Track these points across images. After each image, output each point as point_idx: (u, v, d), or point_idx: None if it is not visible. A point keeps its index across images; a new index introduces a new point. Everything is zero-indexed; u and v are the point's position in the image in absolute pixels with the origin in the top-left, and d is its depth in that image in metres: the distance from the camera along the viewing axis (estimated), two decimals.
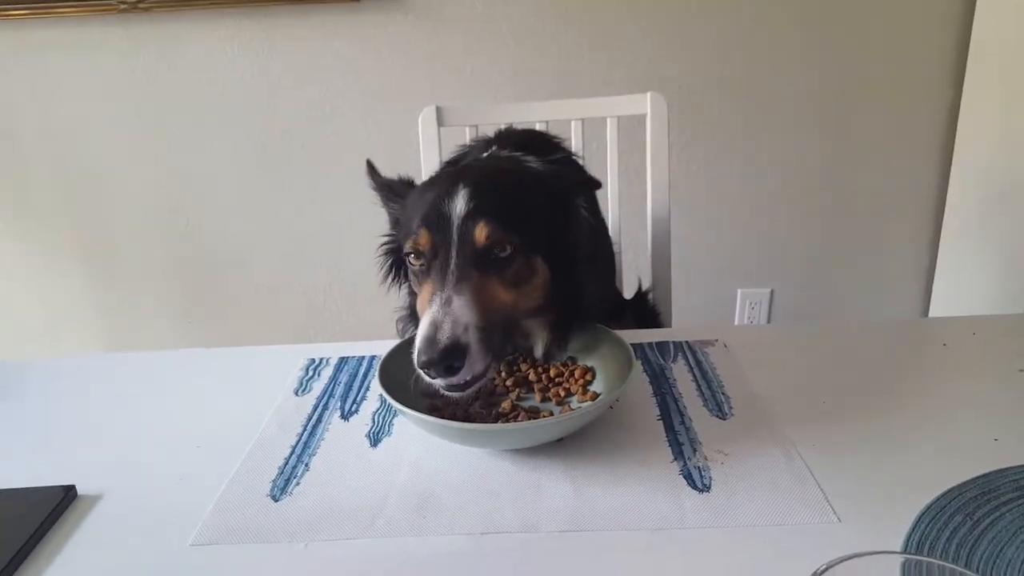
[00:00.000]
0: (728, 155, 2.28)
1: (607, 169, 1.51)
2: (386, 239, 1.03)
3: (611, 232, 1.44)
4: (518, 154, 1.08)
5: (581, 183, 1.00)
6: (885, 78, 2.18)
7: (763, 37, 2.14)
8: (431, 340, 0.79)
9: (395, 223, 1.01)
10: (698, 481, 0.76)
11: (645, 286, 1.50)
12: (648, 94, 1.48)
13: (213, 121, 2.26)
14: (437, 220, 0.87)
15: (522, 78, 2.18)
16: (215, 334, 2.55)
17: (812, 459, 0.79)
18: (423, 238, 0.88)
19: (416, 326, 0.96)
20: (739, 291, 2.46)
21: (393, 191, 1.01)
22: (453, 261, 0.85)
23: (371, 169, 1.04)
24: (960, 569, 0.48)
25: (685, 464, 0.79)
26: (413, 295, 0.99)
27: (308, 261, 2.43)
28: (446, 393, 0.85)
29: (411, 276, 0.96)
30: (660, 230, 1.55)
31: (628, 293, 1.49)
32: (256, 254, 2.43)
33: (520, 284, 0.89)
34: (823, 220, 2.36)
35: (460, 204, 0.86)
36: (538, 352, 0.98)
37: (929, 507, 0.70)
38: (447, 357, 0.79)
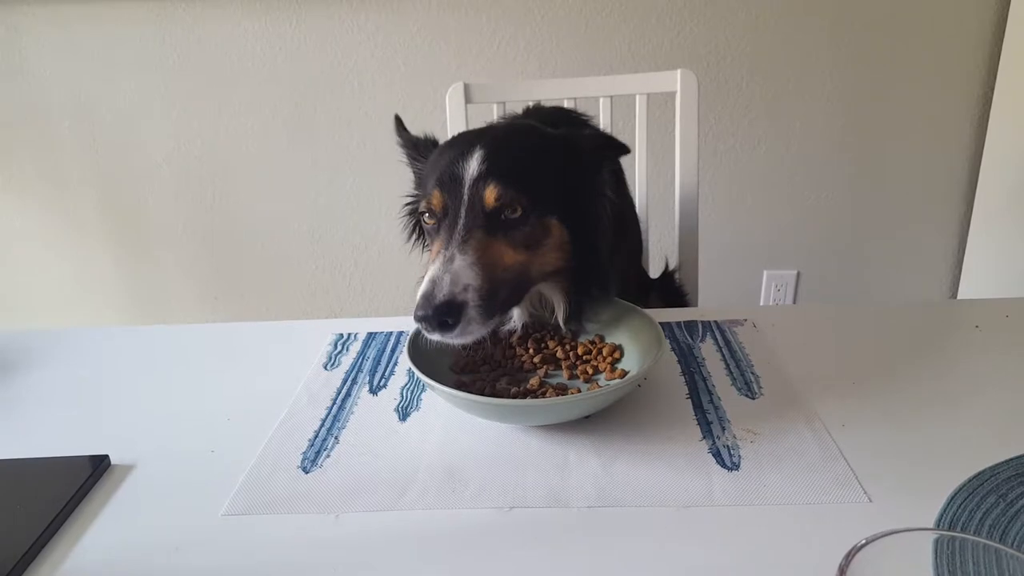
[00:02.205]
0: (755, 135, 2.25)
1: (635, 147, 1.49)
2: (409, 199, 1.03)
3: (638, 211, 1.43)
4: None
5: (607, 146, 0.98)
6: (918, 59, 2.14)
7: (794, 15, 2.10)
8: (429, 296, 0.80)
9: (418, 183, 1.02)
10: (727, 459, 0.76)
11: (672, 266, 1.49)
12: (678, 71, 1.47)
13: (241, 95, 2.27)
14: (450, 181, 0.88)
15: (550, 55, 2.17)
16: (241, 309, 2.57)
17: (842, 439, 0.78)
18: (435, 198, 0.88)
19: None
20: (765, 273, 2.45)
21: (417, 149, 1.01)
22: (461, 221, 0.85)
23: (399, 126, 1.05)
24: (995, 544, 0.48)
25: (714, 442, 0.79)
26: None
27: (335, 237, 2.45)
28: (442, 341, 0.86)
29: (425, 235, 0.96)
30: (688, 210, 1.54)
31: (654, 273, 1.48)
32: (283, 229, 2.45)
33: (533, 246, 0.89)
34: (851, 202, 2.33)
35: (473, 165, 0.87)
36: (559, 317, 0.97)
37: (961, 488, 0.69)
38: (442, 313, 0.80)
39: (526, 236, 0.87)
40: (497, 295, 0.84)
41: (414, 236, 1.04)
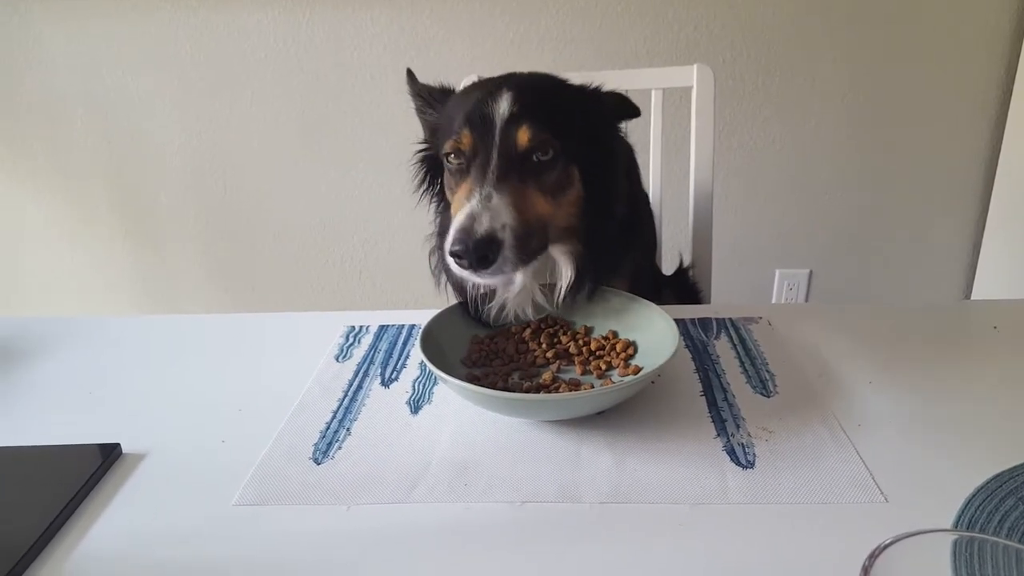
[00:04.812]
0: (770, 133, 2.24)
1: (650, 143, 1.49)
2: (421, 147, 1.02)
3: (652, 206, 1.42)
4: None
5: (623, 104, 0.98)
6: (935, 58, 2.12)
7: (811, 13, 2.09)
8: (467, 230, 0.79)
9: (431, 132, 1.01)
10: (741, 457, 0.75)
11: (686, 263, 1.48)
12: (695, 66, 1.45)
13: (253, 88, 2.27)
14: (480, 120, 0.87)
15: (564, 48, 2.16)
16: (251, 302, 2.58)
17: (858, 439, 0.77)
18: (465, 137, 0.88)
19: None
20: (777, 271, 2.43)
21: (432, 98, 1.01)
22: (494, 161, 0.85)
23: (411, 77, 1.05)
24: (1016, 545, 0.47)
25: (728, 440, 0.78)
26: (444, 214, 0.98)
27: (346, 231, 2.45)
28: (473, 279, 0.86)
29: (447, 177, 0.95)
30: (702, 206, 1.53)
31: (668, 269, 1.47)
32: (294, 223, 2.45)
33: (558, 194, 0.88)
34: (865, 201, 2.32)
35: (504, 106, 0.86)
36: (561, 284, 0.95)
37: (980, 489, 0.68)
38: (482, 248, 0.78)
39: (554, 183, 0.88)
40: (530, 242, 0.84)
41: (423, 187, 1.02)
